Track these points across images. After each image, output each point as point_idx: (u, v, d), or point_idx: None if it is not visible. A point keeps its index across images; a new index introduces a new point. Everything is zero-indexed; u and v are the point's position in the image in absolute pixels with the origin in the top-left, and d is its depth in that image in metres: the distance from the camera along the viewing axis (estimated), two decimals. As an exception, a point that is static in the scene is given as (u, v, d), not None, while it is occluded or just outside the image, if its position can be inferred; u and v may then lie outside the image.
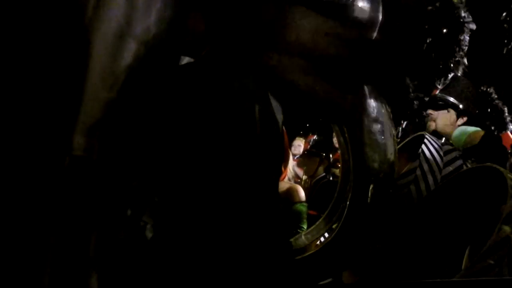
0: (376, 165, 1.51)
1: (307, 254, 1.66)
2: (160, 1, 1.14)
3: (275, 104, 1.36)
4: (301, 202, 2.71)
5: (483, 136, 1.97)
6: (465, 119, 2.32)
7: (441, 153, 1.87)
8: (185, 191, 1.16)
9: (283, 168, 2.61)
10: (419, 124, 3.44)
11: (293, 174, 3.13)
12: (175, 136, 1.17)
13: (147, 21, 1.12)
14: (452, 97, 2.34)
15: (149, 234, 1.17)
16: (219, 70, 1.26)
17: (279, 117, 1.37)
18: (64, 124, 1.03)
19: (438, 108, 2.34)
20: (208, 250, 1.12)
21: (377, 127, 1.52)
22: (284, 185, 2.65)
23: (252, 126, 1.23)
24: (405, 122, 3.70)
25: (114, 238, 1.12)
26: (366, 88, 1.54)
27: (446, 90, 2.39)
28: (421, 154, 1.81)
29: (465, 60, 3.27)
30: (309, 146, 4.40)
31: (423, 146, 1.84)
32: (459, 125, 2.28)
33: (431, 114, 2.35)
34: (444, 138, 2.16)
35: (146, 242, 1.15)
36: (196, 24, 1.35)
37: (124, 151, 1.15)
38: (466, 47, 3.36)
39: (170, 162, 1.17)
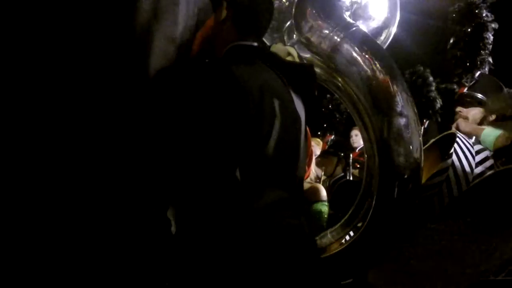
0: (401, 159, 1.48)
1: (332, 252, 1.64)
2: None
3: (298, 102, 1.34)
4: (322, 201, 2.69)
5: None
6: (494, 116, 2.25)
7: (473, 152, 1.82)
8: (209, 187, 1.15)
9: (306, 167, 2.59)
10: (443, 123, 3.39)
11: (315, 174, 3.12)
12: (196, 133, 1.16)
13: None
14: (481, 94, 2.29)
15: (173, 230, 1.18)
16: (242, 68, 1.25)
17: (302, 115, 1.35)
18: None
19: (466, 105, 2.28)
20: (235, 247, 1.11)
21: (402, 121, 1.49)
22: (305, 184, 2.63)
23: (275, 124, 1.21)
24: (427, 122, 3.64)
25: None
26: (391, 82, 1.52)
27: (474, 88, 2.34)
28: (454, 154, 1.75)
29: (491, 59, 3.24)
30: (327, 146, 4.37)
31: (456, 145, 1.78)
32: (487, 123, 2.21)
33: (461, 111, 2.29)
34: (474, 137, 2.09)
35: (171, 237, 1.16)
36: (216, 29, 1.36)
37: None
38: (491, 46, 3.33)
39: (192, 159, 1.16)
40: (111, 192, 1.13)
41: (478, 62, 3.37)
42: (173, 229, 1.18)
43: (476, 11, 3.44)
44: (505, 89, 2.38)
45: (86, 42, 1.07)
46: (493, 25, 3.46)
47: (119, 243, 1.13)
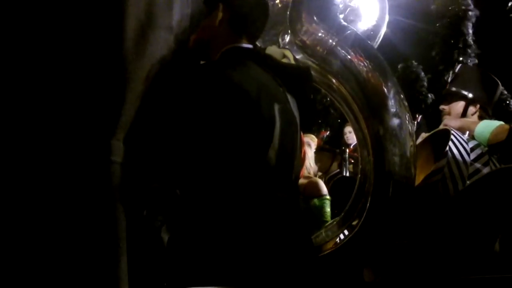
0: (396, 159, 1.51)
1: (327, 251, 1.66)
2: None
3: (293, 103, 1.36)
4: (321, 196, 2.55)
5: (509, 131, 1.86)
6: (477, 106, 2.22)
7: (468, 150, 1.79)
8: (206, 187, 1.16)
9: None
10: (431, 118, 3.39)
11: (314, 169, 3.02)
12: (193, 134, 1.17)
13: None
14: (458, 87, 2.23)
15: (164, 235, 1.19)
16: (239, 71, 1.26)
17: (297, 116, 1.37)
18: (106, 128, 1.04)
19: (448, 100, 2.25)
20: (231, 246, 1.12)
21: (396, 121, 1.52)
22: (302, 180, 2.53)
23: (272, 124, 1.23)
24: (420, 117, 3.65)
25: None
26: (385, 84, 1.55)
27: (455, 82, 2.29)
28: (449, 152, 1.72)
29: (470, 50, 3.23)
30: (322, 143, 4.37)
31: (451, 144, 1.75)
32: (472, 114, 2.18)
33: (444, 108, 2.27)
34: (467, 133, 2.05)
35: (161, 241, 1.17)
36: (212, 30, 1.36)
37: (144, 152, 1.17)
38: (471, 35, 3.33)
39: (190, 161, 1.17)
40: (108, 194, 1.13)
41: (456, 55, 3.33)
42: (163, 234, 1.18)
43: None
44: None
45: (82, 36, 1.07)
46: (472, 13, 3.44)
47: (115, 242, 1.14)
